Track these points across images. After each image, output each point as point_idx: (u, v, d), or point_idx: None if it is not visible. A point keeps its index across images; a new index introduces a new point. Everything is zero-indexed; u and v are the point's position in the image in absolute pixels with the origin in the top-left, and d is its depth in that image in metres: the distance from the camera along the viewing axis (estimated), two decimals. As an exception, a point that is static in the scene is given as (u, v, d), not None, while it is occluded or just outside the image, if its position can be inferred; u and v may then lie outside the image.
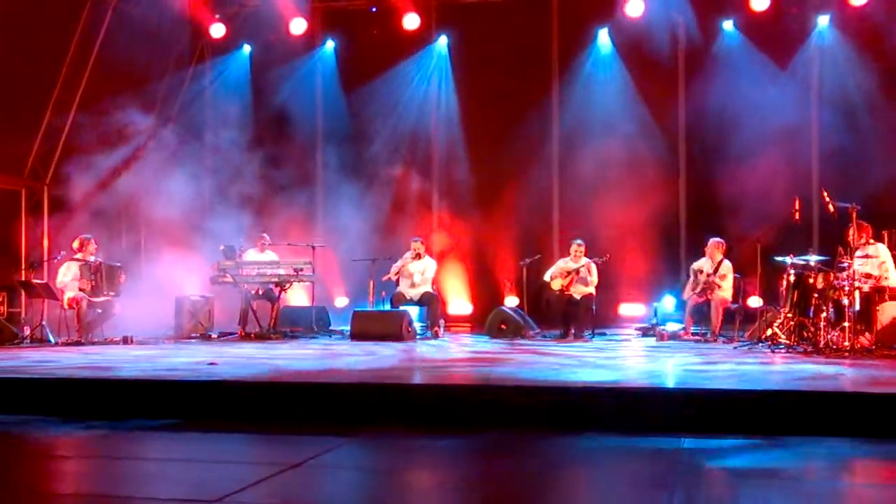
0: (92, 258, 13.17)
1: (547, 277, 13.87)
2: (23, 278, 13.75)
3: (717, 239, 13.21)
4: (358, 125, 17.85)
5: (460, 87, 17.49)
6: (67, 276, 13.11)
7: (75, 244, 13.32)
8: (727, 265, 12.99)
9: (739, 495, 5.01)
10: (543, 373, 8.50)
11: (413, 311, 14.08)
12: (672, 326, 13.68)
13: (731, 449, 5.99)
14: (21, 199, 16.00)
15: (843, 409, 6.41)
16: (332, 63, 18.44)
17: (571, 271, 13.64)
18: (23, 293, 13.99)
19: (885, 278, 10.69)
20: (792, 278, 11.10)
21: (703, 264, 13.17)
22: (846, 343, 9.98)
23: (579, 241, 13.87)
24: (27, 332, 13.17)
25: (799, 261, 11.16)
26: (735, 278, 13.08)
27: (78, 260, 13.13)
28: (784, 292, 11.28)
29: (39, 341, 12.76)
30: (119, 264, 13.63)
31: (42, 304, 13.14)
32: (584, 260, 13.68)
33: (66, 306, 13.08)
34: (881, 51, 15.15)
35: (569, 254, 13.97)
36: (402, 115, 17.50)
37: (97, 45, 16.00)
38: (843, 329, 10.12)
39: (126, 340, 12.74)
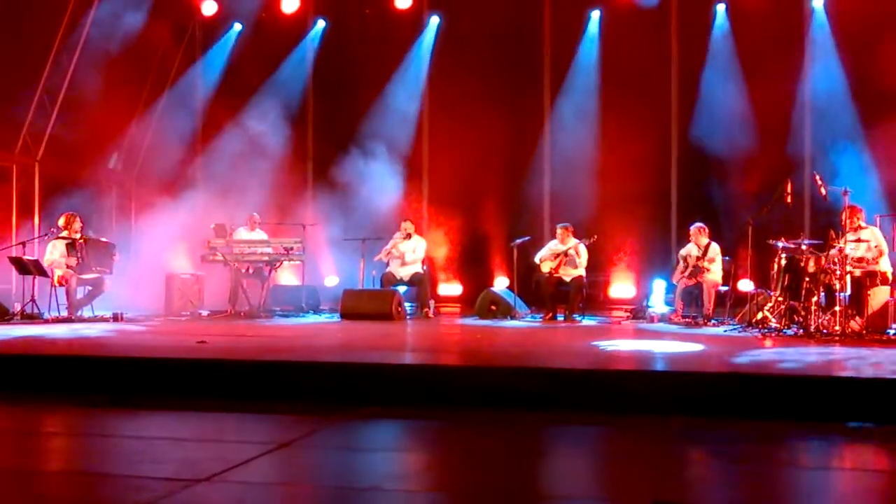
0: (77, 235, 13.13)
1: (536, 260, 13.87)
2: (13, 255, 13.71)
3: (699, 224, 13.20)
4: (349, 104, 17.78)
5: (451, 68, 17.40)
6: (55, 255, 13.09)
7: (61, 221, 13.29)
8: (715, 248, 12.99)
9: (729, 474, 5.02)
10: (529, 354, 8.52)
11: (403, 291, 14.08)
12: (662, 309, 13.69)
13: (720, 430, 6.00)
14: (12, 174, 15.92)
15: (831, 393, 6.42)
16: (323, 42, 18.36)
17: (560, 253, 13.64)
18: (13, 270, 13.93)
19: (876, 262, 10.65)
20: (783, 262, 11.09)
21: (691, 249, 13.17)
22: (837, 327, 10.00)
23: (565, 224, 13.89)
24: (17, 308, 13.13)
25: (790, 244, 11.15)
26: (724, 261, 13.09)
27: (64, 238, 13.10)
28: (775, 276, 11.27)
29: (30, 318, 12.72)
30: (112, 243, 13.58)
31: (32, 280, 13.10)
32: (573, 241, 13.67)
33: (56, 283, 13.06)
34: (872, 34, 15.11)
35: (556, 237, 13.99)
36: (393, 95, 17.43)
37: (89, 20, 15.89)
38: (833, 313, 10.13)
39: (116, 317, 12.73)
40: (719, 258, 12.99)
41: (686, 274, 12.99)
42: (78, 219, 13.31)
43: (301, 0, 17.77)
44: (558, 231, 13.87)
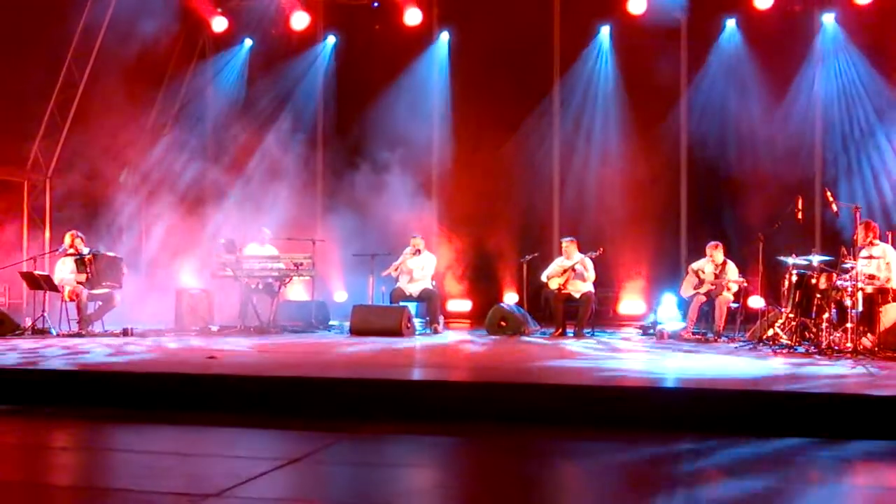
0: (86, 250, 13.15)
1: (544, 278, 13.77)
2: (25, 270, 13.74)
3: (715, 242, 13.11)
4: (359, 120, 17.80)
5: (461, 83, 17.44)
6: (65, 272, 13.11)
7: (66, 240, 13.32)
8: (733, 268, 12.91)
9: (732, 495, 4.99)
10: (538, 371, 8.49)
11: (412, 307, 14.05)
12: (672, 325, 13.62)
13: (729, 450, 5.96)
14: (24, 190, 15.97)
15: (843, 410, 6.38)
16: (333, 58, 18.42)
17: (567, 269, 13.58)
18: (24, 285, 13.96)
19: (888, 279, 10.56)
20: (794, 278, 11.01)
21: (704, 265, 13.09)
22: (848, 344, 9.93)
23: (569, 238, 13.81)
24: (28, 323, 13.15)
25: (801, 261, 11.09)
26: (739, 280, 12.99)
27: (71, 255, 13.13)
28: (786, 292, 11.20)
29: (41, 332, 12.74)
30: (120, 257, 13.61)
31: (43, 295, 13.13)
32: (579, 255, 13.61)
33: (66, 298, 13.07)
34: (883, 49, 15.10)
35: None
36: (403, 110, 17.43)
37: (100, 38, 15.98)
38: (845, 330, 10.06)
39: (125, 332, 12.72)
40: (736, 276, 12.89)
41: (702, 290, 12.90)
42: (79, 236, 13.33)
43: (311, 16, 17.84)
44: (563, 245, 13.80)
